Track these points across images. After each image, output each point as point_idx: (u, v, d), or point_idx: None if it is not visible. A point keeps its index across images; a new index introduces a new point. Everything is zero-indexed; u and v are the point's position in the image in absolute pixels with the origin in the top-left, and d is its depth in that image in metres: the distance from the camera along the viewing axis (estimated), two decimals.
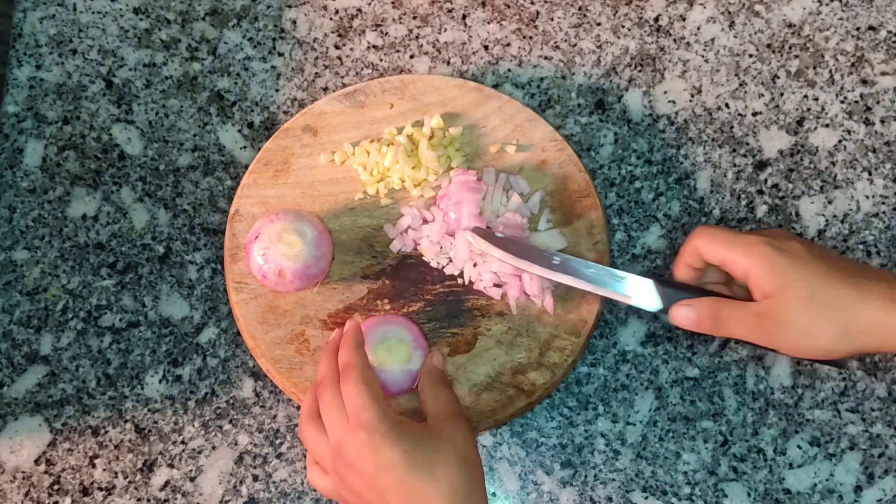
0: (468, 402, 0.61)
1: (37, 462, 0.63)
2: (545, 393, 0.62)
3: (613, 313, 0.66)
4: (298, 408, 0.65)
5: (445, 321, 0.63)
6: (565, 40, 0.72)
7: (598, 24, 0.72)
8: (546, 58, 0.72)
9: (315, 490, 0.63)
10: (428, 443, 0.53)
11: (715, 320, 0.56)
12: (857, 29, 0.72)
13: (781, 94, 0.71)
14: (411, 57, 0.72)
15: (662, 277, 0.59)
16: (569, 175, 0.66)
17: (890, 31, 0.72)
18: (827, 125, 0.70)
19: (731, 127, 0.70)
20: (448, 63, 0.72)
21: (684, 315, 0.56)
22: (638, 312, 0.66)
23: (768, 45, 0.72)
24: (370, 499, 0.52)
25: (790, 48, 0.72)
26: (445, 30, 0.72)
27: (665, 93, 0.71)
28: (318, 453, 0.56)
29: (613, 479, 0.64)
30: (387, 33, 0.72)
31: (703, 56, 0.72)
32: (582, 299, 0.63)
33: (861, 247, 0.67)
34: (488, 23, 0.72)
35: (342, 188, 0.66)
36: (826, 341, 0.52)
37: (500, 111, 0.67)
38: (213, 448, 0.64)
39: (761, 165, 0.69)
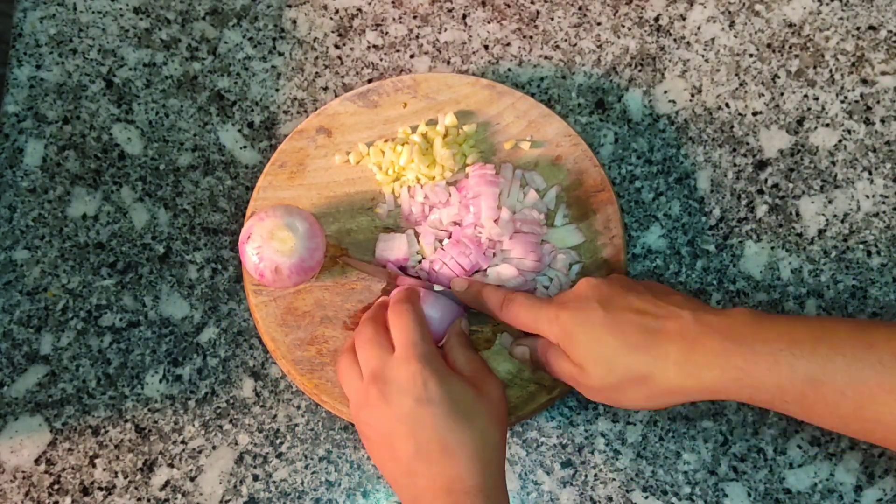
0: None
1: (37, 462, 0.63)
2: (566, 388, 0.62)
3: None
4: (299, 407, 0.65)
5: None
6: (565, 40, 0.72)
7: (599, 24, 0.72)
8: (546, 57, 0.72)
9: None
10: (471, 394, 0.55)
11: (545, 365, 0.58)
12: (858, 28, 0.72)
13: (781, 94, 0.71)
14: (411, 57, 0.72)
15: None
16: (584, 170, 0.66)
17: (890, 31, 0.72)
18: (827, 125, 0.70)
19: (732, 127, 0.70)
20: (448, 63, 0.72)
21: (519, 352, 0.61)
22: None
23: (768, 45, 0.72)
24: (397, 433, 0.53)
25: (790, 48, 0.72)
26: (445, 29, 0.72)
27: (665, 92, 0.71)
28: (350, 387, 0.58)
29: (614, 479, 0.63)
30: (387, 33, 0.72)
31: (703, 56, 0.72)
32: None
33: (861, 246, 0.67)
34: (488, 22, 0.72)
35: (358, 188, 0.66)
36: (635, 403, 0.54)
37: (514, 108, 0.67)
38: (214, 448, 0.64)
39: (761, 165, 0.69)
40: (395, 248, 0.63)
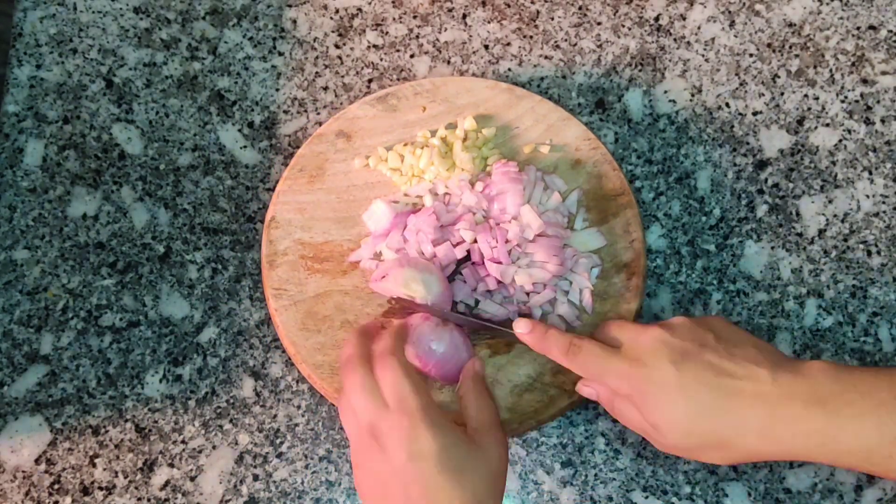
0: (510, 402, 0.61)
1: (37, 461, 0.63)
2: None
3: None
4: (299, 407, 0.65)
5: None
6: (566, 39, 0.72)
7: (599, 24, 0.72)
8: (546, 57, 0.72)
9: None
10: (465, 448, 0.53)
11: (611, 409, 0.58)
12: (858, 28, 0.72)
13: (782, 94, 0.71)
14: (412, 56, 0.72)
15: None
16: (603, 173, 0.66)
17: (890, 31, 0.72)
18: (827, 124, 0.70)
19: (732, 126, 0.70)
20: (448, 62, 0.72)
21: (587, 392, 0.59)
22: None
23: (769, 45, 0.72)
24: (390, 485, 0.52)
25: (790, 47, 0.72)
26: (446, 29, 0.72)
27: (665, 92, 0.71)
28: (349, 430, 0.56)
29: (614, 479, 0.63)
30: (387, 33, 0.72)
31: (703, 55, 0.72)
32: (620, 297, 0.63)
33: (861, 246, 0.67)
34: (488, 22, 0.72)
35: (378, 192, 0.66)
36: (712, 461, 0.54)
37: (533, 111, 0.67)
38: (214, 447, 0.64)
39: (762, 165, 0.69)
40: (379, 217, 0.63)
